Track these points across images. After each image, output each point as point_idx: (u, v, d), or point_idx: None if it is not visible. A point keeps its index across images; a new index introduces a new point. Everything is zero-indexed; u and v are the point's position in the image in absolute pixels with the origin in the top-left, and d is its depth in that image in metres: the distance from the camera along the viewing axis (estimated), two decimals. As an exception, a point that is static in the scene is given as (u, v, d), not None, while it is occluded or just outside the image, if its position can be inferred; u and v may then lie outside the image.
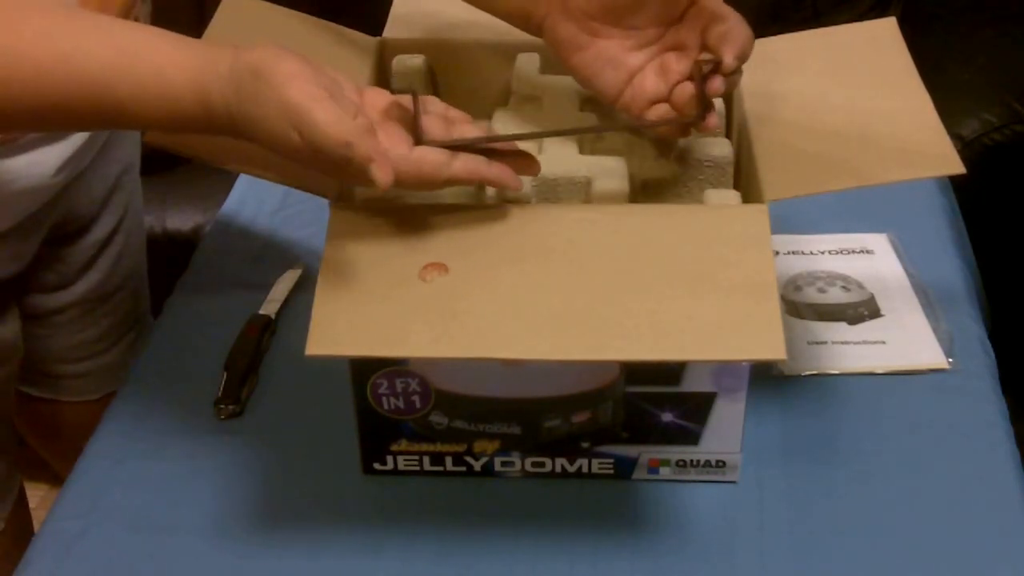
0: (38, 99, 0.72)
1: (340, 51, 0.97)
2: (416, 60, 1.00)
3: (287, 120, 0.70)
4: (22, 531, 1.14)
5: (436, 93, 1.01)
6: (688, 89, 0.83)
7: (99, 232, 1.16)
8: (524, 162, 0.81)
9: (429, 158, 0.75)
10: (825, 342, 1.03)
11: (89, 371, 1.22)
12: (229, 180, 1.27)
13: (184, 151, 0.85)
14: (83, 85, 0.72)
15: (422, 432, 0.89)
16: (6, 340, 1.08)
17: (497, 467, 0.91)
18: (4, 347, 1.08)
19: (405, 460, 0.91)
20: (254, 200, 1.23)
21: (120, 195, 1.17)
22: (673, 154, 0.94)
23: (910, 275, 1.10)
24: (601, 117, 0.97)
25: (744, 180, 0.91)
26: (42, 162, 0.99)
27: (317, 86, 0.71)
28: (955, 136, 0.87)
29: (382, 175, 0.71)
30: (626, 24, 0.84)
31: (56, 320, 1.16)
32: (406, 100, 0.79)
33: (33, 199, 1.02)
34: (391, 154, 0.73)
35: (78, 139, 1.03)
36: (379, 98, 0.79)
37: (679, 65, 0.84)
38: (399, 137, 0.76)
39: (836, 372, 1.00)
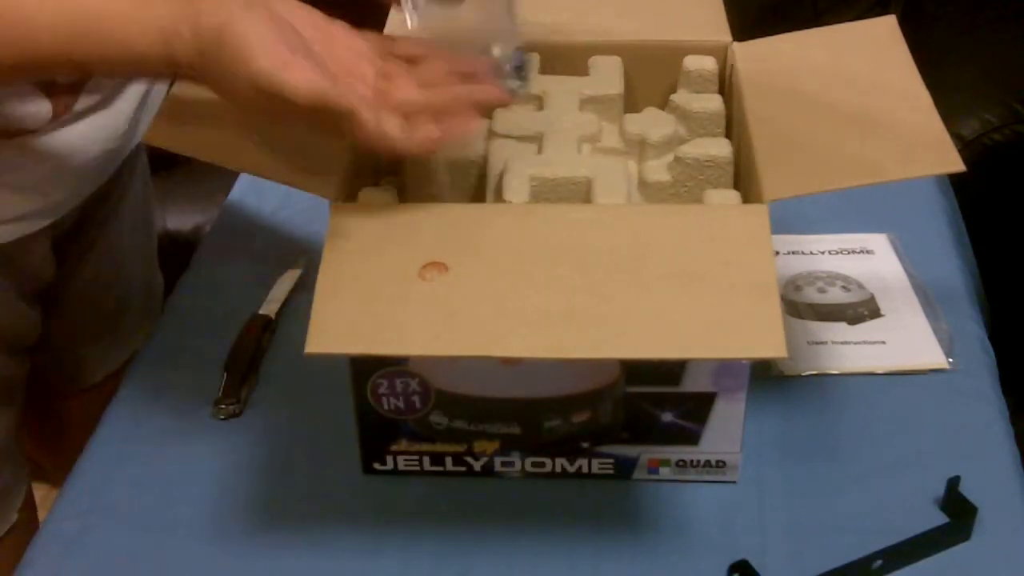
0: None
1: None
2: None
3: (258, 90, 0.71)
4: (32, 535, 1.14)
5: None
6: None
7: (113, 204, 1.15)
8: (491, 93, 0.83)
9: (390, 132, 0.75)
10: (825, 342, 1.03)
11: (88, 356, 1.21)
12: (229, 180, 1.27)
13: (184, 150, 0.85)
14: (43, 48, 0.73)
15: (422, 432, 0.89)
16: (31, 327, 1.07)
17: (497, 467, 0.91)
18: (29, 334, 1.08)
19: (405, 460, 0.91)
20: (254, 200, 1.23)
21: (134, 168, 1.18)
22: (673, 154, 0.94)
23: (910, 275, 1.10)
24: (602, 117, 0.97)
25: (744, 180, 0.91)
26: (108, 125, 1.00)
27: (282, 46, 0.71)
28: (955, 136, 0.87)
29: (366, 121, 0.72)
30: None
31: (60, 305, 1.15)
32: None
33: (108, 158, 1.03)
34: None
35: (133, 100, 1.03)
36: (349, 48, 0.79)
37: None
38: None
39: (836, 372, 1.00)
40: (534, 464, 0.91)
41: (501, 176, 0.90)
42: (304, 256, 1.14)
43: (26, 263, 1.02)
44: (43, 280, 1.07)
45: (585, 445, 0.89)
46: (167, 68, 0.73)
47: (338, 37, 0.80)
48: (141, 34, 0.72)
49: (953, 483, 0.86)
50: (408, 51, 0.82)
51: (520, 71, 0.85)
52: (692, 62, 0.99)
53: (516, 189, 0.88)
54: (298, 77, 0.70)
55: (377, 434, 0.90)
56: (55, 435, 1.27)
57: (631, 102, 1.00)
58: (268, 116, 0.75)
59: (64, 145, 0.95)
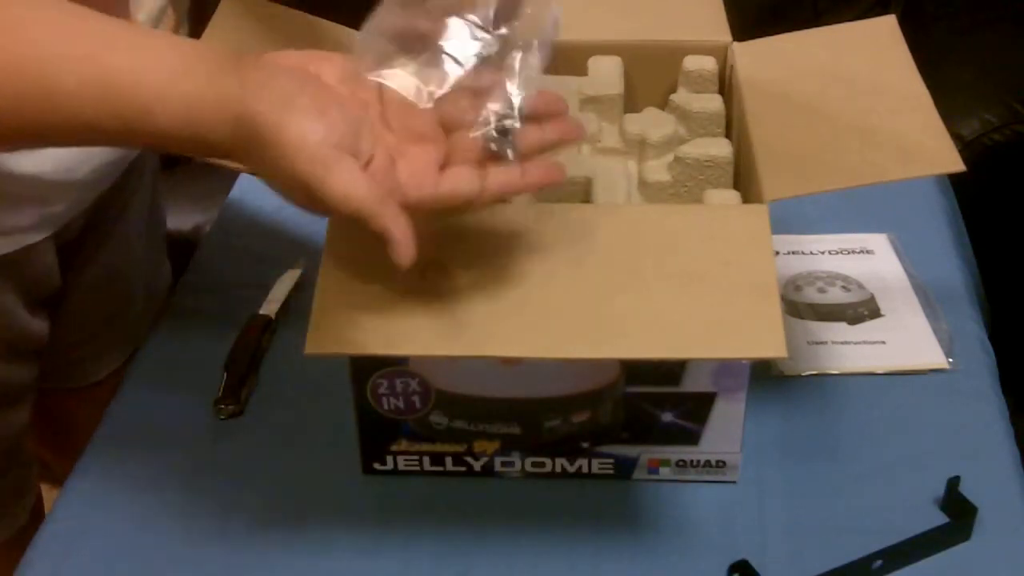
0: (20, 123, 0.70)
1: (342, 52, 0.96)
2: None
3: (299, 189, 0.67)
4: None
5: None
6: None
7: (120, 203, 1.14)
8: (562, 133, 0.75)
9: (460, 189, 0.71)
10: (825, 342, 1.03)
11: (92, 354, 1.21)
12: (229, 180, 1.27)
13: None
14: (68, 120, 0.68)
15: (422, 432, 0.89)
16: (38, 333, 1.07)
17: (497, 467, 0.91)
18: (37, 340, 1.08)
19: (405, 460, 0.91)
20: (254, 200, 1.23)
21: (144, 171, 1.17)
22: (673, 154, 0.94)
23: (910, 275, 1.10)
24: (602, 117, 0.98)
25: (744, 180, 0.91)
26: None
27: (328, 147, 0.66)
28: (955, 136, 0.87)
29: (401, 255, 0.67)
30: None
31: (65, 306, 1.15)
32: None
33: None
34: (420, 192, 0.70)
35: None
36: (398, 104, 0.74)
37: None
38: (424, 163, 0.72)
39: (836, 372, 1.00)
40: (534, 464, 0.91)
41: (501, 176, 0.90)
42: (304, 256, 1.14)
43: (31, 271, 1.02)
44: (49, 287, 1.06)
45: (585, 445, 0.89)
46: (196, 149, 0.70)
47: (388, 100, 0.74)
48: (169, 117, 0.67)
49: (953, 483, 0.86)
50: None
51: (506, 132, 0.72)
52: (692, 62, 0.99)
53: (516, 189, 0.88)
54: (341, 187, 0.66)
55: (377, 434, 0.90)
56: (58, 432, 1.27)
57: (631, 102, 1.00)
58: (305, 206, 0.70)
59: (65, 158, 0.95)
